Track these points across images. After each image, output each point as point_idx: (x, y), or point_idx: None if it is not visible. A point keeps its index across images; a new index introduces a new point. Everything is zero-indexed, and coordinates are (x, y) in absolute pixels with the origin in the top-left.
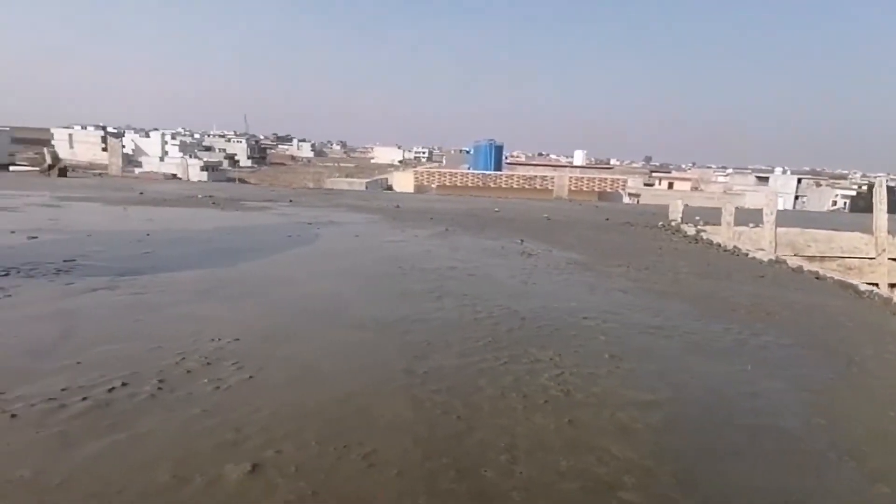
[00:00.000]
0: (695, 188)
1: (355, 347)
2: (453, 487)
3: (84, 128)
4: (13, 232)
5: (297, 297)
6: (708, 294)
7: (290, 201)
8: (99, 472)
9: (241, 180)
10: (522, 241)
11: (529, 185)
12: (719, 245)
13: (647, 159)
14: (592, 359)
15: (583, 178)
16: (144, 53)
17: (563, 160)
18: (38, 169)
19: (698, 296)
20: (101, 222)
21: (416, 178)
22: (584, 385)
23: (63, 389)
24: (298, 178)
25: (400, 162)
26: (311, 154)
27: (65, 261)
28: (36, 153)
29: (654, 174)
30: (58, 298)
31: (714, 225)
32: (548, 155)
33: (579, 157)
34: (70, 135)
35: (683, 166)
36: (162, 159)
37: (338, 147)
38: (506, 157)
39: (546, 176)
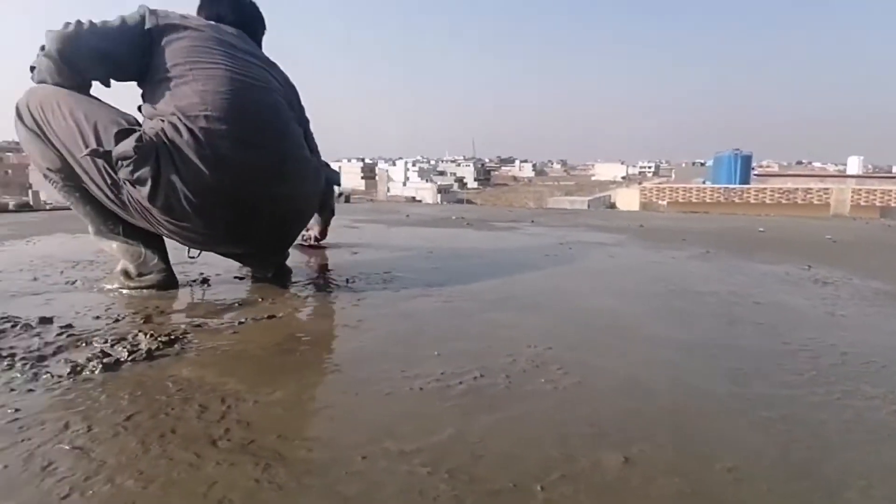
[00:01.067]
0: None
1: (664, 365)
2: None
3: (349, 160)
4: (338, 247)
5: (583, 311)
6: None
7: (532, 221)
8: (500, 438)
9: (469, 201)
10: (809, 266)
11: (788, 199)
12: None
13: None
14: None
15: (860, 189)
16: (386, 90)
17: (831, 168)
18: None
19: None
20: (392, 240)
21: (643, 194)
22: None
23: (441, 373)
24: (519, 198)
25: (622, 178)
26: (531, 174)
27: (384, 272)
28: None
29: None
30: (395, 302)
31: None
32: (808, 163)
33: (854, 165)
34: (339, 166)
35: None
36: (404, 184)
37: (558, 165)
38: (753, 169)
39: (810, 188)
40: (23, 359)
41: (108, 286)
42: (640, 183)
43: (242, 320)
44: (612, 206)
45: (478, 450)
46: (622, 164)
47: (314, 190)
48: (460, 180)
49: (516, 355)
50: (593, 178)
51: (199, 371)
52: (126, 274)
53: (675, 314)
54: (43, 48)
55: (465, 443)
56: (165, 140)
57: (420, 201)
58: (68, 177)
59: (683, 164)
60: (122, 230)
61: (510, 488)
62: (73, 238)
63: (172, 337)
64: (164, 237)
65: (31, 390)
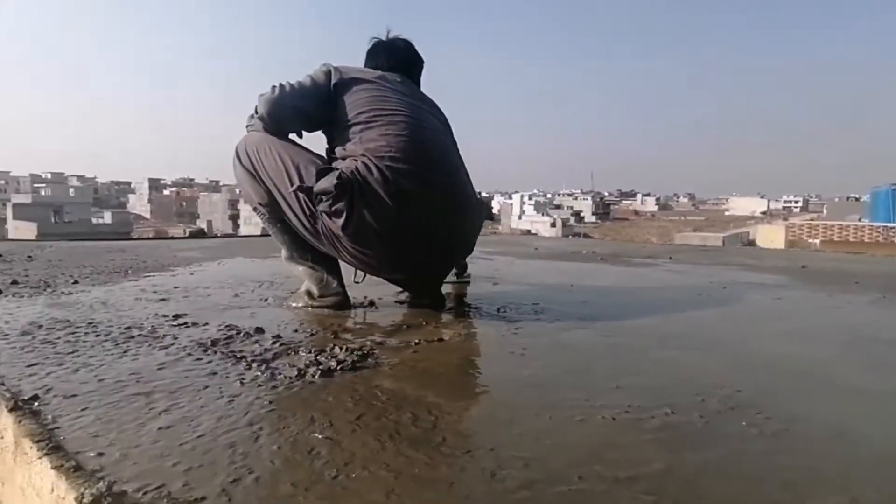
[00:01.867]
0: None
1: (869, 415)
2: None
3: None
4: (478, 278)
5: (764, 356)
6: None
7: (670, 258)
8: (718, 476)
9: (586, 235)
10: None
11: None
12: None
13: None
14: None
15: None
16: (502, 121)
17: None
18: None
19: None
20: (527, 272)
21: (790, 231)
22: None
23: (629, 406)
24: (641, 233)
25: (762, 213)
26: (654, 208)
27: (532, 303)
28: None
29: None
30: (553, 333)
31: None
32: None
33: None
34: None
35: None
36: (520, 217)
37: (685, 199)
38: None
39: None
40: (253, 361)
41: (294, 304)
42: (784, 219)
43: (417, 341)
44: (751, 243)
45: (697, 486)
46: (762, 197)
47: (478, 224)
48: (577, 214)
49: (705, 395)
50: (727, 213)
51: (398, 384)
52: (310, 294)
53: (868, 363)
54: (256, 111)
55: (681, 477)
56: (358, 177)
57: (535, 234)
58: (273, 209)
59: (837, 199)
60: (310, 257)
61: None
62: (250, 261)
63: (364, 352)
64: (346, 263)
65: (274, 387)
